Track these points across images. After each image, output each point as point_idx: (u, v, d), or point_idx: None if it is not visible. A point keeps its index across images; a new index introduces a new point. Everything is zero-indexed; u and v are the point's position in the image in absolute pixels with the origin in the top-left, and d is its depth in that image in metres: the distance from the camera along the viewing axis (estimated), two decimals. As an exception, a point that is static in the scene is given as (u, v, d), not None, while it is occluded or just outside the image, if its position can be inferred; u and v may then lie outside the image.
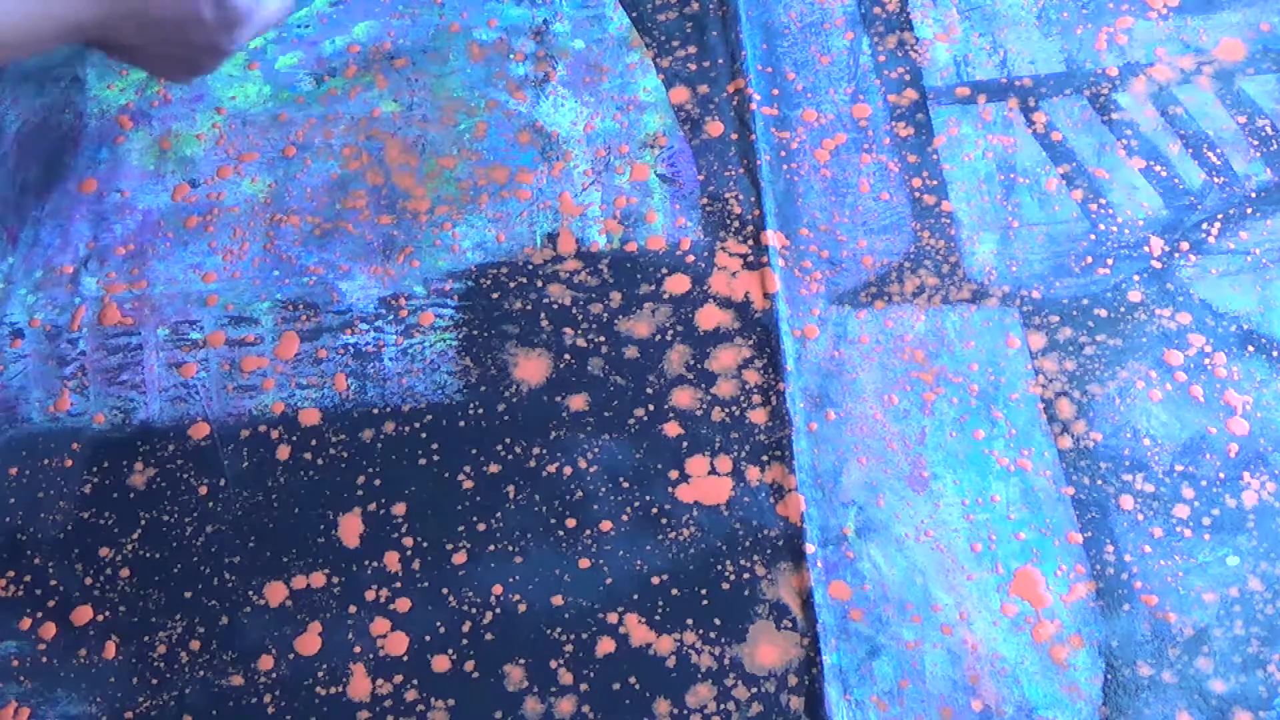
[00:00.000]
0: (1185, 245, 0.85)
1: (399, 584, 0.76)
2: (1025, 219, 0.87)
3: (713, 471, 0.79)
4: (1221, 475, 0.77)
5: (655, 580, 0.75)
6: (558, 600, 0.75)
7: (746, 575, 0.75)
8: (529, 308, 0.85)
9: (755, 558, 0.76)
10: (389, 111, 0.94)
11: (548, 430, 0.81)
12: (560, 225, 0.89)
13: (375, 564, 0.77)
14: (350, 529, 0.78)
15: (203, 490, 0.80)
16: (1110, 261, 0.84)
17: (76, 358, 0.85)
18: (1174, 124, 0.90)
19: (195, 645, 0.75)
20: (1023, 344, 0.82)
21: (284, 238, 0.89)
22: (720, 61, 0.95)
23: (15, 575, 0.78)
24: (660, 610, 0.75)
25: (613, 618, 0.74)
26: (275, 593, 0.76)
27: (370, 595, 0.76)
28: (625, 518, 0.78)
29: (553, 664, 0.73)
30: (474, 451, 0.80)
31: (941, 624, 0.73)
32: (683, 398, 0.82)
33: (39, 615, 0.76)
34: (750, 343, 0.83)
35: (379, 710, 0.72)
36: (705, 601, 0.75)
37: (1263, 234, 0.85)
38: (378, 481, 0.80)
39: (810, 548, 0.76)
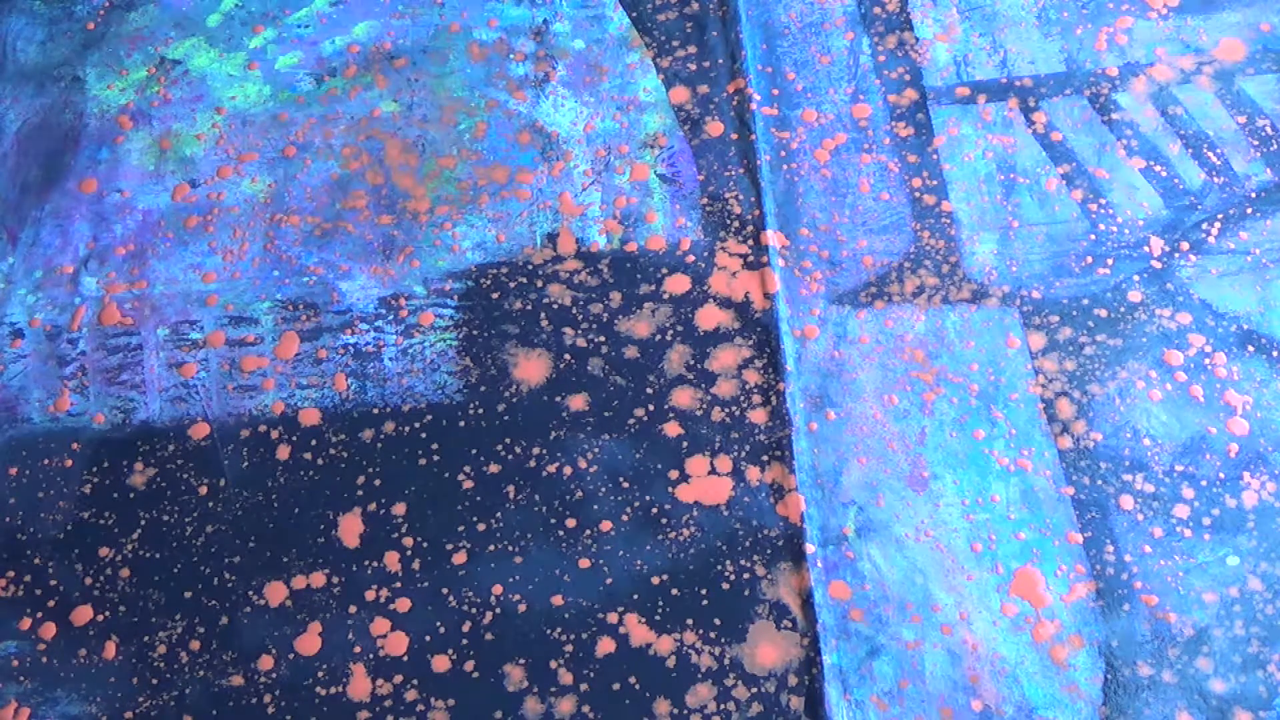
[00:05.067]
0: (1185, 245, 0.85)
1: (399, 584, 0.76)
2: (1025, 219, 0.87)
3: (713, 471, 0.79)
4: (1221, 475, 0.77)
5: (655, 580, 0.75)
6: (558, 600, 0.75)
7: (746, 575, 0.75)
8: (529, 308, 0.85)
9: (755, 558, 0.76)
10: (389, 111, 0.94)
11: (548, 430, 0.81)
12: (560, 225, 0.89)
13: (375, 564, 0.77)
14: (350, 529, 0.78)
15: (203, 490, 0.80)
16: (1110, 261, 0.84)
17: (76, 358, 0.85)
18: (1174, 124, 0.90)
19: (195, 645, 0.75)
20: (1023, 344, 0.82)
21: (284, 238, 0.89)
22: (720, 61, 0.95)
23: (15, 575, 0.78)
24: (660, 610, 0.75)
25: (613, 618, 0.74)
26: (275, 593, 0.76)
27: (370, 595, 0.76)
28: (625, 518, 0.78)
29: (553, 664, 0.73)
30: (474, 451, 0.80)
31: (941, 624, 0.73)
32: (683, 398, 0.82)
33: (39, 615, 0.76)
34: (750, 343, 0.83)
35: (379, 710, 0.72)
36: (705, 601, 0.75)
37: (1263, 234, 0.85)
38: (378, 481, 0.80)
39: (810, 548, 0.76)
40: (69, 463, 0.81)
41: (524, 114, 0.94)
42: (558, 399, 0.82)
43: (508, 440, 0.80)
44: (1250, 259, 0.84)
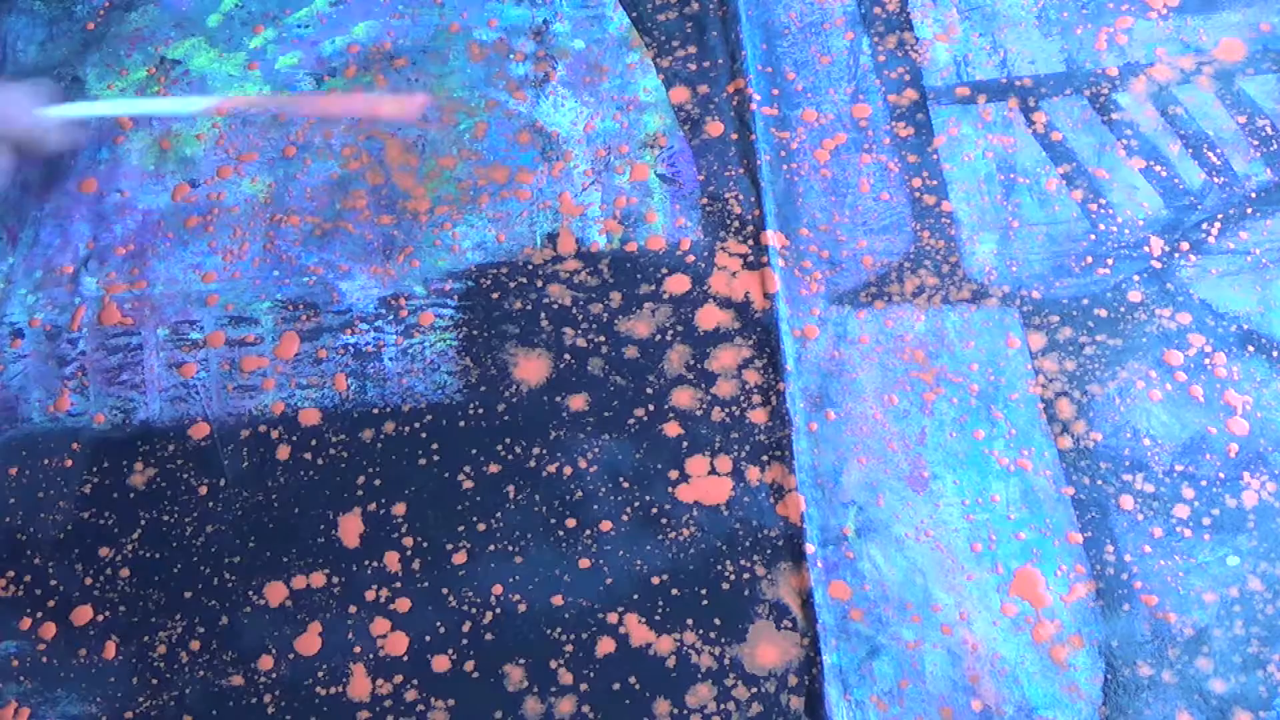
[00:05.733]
0: (1185, 245, 0.85)
1: (399, 584, 0.76)
2: (1025, 219, 0.87)
3: (713, 471, 0.79)
4: (1221, 475, 0.77)
5: (655, 580, 0.75)
6: (558, 600, 0.75)
7: (746, 575, 0.75)
8: (529, 308, 0.85)
9: (755, 558, 0.76)
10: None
11: (548, 430, 0.81)
12: (560, 225, 0.89)
13: (375, 564, 0.77)
14: (350, 529, 0.78)
15: (203, 490, 0.80)
16: (1110, 261, 0.84)
17: (76, 358, 0.85)
18: (1174, 124, 0.90)
19: (195, 645, 0.75)
20: (1023, 344, 0.82)
21: (284, 238, 0.89)
22: (720, 61, 0.95)
23: (15, 575, 0.78)
24: (660, 610, 0.75)
25: (613, 618, 0.74)
26: (275, 593, 0.76)
27: (370, 595, 0.76)
28: (625, 518, 0.78)
29: (553, 664, 0.73)
30: (474, 451, 0.80)
31: (941, 624, 0.73)
32: (683, 398, 0.82)
33: (39, 615, 0.76)
34: (750, 343, 0.83)
35: (379, 710, 0.72)
36: (705, 601, 0.75)
37: (1263, 234, 0.85)
38: (378, 481, 0.80)
39: (810, 548, 0.76)
40: (69, 463, 0.81)
41: (524, 114, 0.94)
42: (558, 399, 0.82)
43: (508, 440, 0.80)
44: (1250, 259, 0.84)
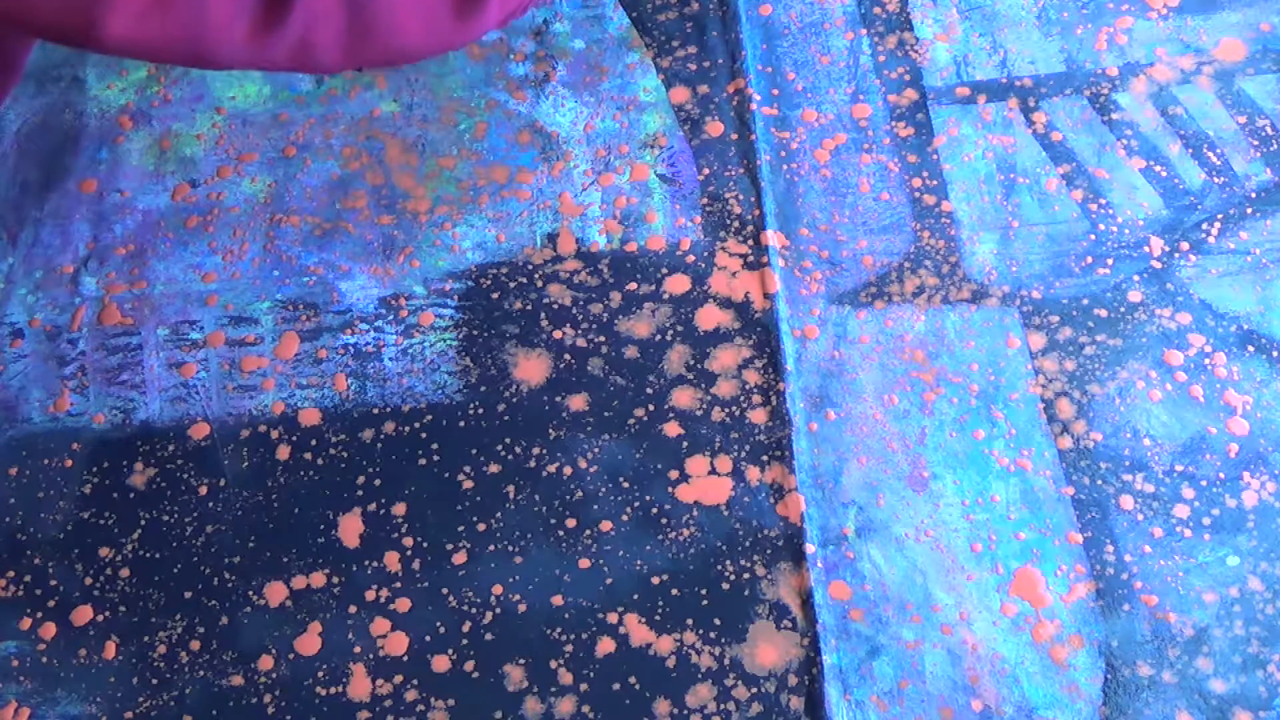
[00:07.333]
0: (1185, 245, 0.85)
1: (399, 584, 0.76)
2: (1025, 219, 0.87)
3: (713, 471, 0.79)
4: (1221, 475, 0.77)
5: (655, 580, 0.75)
6: (558, 600, 0.75)
7: (746, 575, 0.75)
8: (529, 308, 0.85)
9: (755, 558, 0.76)
10: (389, 111, 0.94)
11: (548, 430, 0.81)
12: (560, 225, 0.89)
13: (375, 564, 0.77)
14: (350, 529, 0.78)
15: (203, 490, 0.80)
16: (1110, 261, 0.84)
17: (76, 358, 0.85)
18: (1174, 124, 0.90)
19: (195, 645, 0.75)
20: (1023, 344, 0.82)
21: (284, 238, 0.89)
22: (720, 61, 0.95)
23: (15, 575, 0.78)
24: (660, 610, 0.75)
25: (613, 618, 0.74)
26: (275, 593, 0.76)
27: (370, 595, 0.76)
28: (625, 518, 0.78)
29: (553, 664, 0.73)
30: (474, 451, 0.80)
31: (941, 624, 0.73)
32: (683, 398, 0.82)
33: (39, 615, 0.76)
34: (750, 343, 0.83)
35: (379, 710, 0.72)
36: (705, 601, 0.75)
37: (1263, 234, 0.85)
38: (378, 481, 0.80)
39: (810, 548, 0.76)
40: (69, 463, 0.81)
41: (524, 114, 0.94)
42: (558, 399, 0.82)
43: (508, 440, 0.80)
44: (1250, 259, 0.84)
